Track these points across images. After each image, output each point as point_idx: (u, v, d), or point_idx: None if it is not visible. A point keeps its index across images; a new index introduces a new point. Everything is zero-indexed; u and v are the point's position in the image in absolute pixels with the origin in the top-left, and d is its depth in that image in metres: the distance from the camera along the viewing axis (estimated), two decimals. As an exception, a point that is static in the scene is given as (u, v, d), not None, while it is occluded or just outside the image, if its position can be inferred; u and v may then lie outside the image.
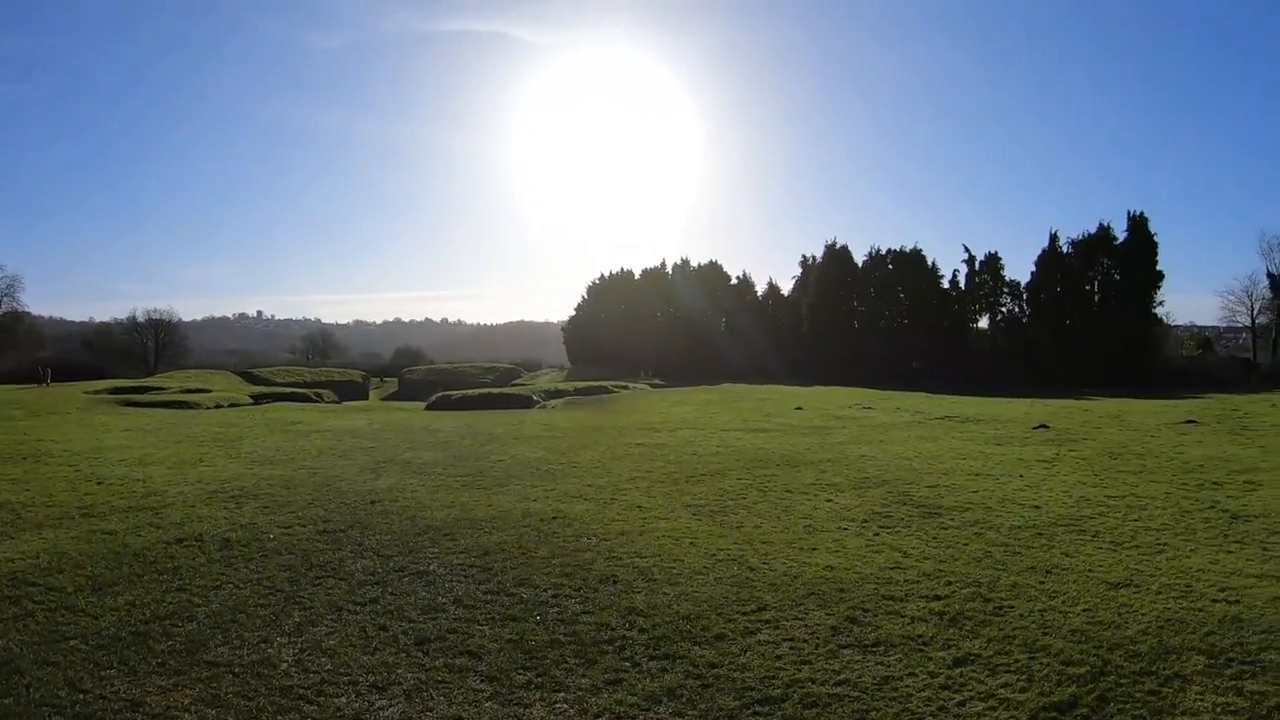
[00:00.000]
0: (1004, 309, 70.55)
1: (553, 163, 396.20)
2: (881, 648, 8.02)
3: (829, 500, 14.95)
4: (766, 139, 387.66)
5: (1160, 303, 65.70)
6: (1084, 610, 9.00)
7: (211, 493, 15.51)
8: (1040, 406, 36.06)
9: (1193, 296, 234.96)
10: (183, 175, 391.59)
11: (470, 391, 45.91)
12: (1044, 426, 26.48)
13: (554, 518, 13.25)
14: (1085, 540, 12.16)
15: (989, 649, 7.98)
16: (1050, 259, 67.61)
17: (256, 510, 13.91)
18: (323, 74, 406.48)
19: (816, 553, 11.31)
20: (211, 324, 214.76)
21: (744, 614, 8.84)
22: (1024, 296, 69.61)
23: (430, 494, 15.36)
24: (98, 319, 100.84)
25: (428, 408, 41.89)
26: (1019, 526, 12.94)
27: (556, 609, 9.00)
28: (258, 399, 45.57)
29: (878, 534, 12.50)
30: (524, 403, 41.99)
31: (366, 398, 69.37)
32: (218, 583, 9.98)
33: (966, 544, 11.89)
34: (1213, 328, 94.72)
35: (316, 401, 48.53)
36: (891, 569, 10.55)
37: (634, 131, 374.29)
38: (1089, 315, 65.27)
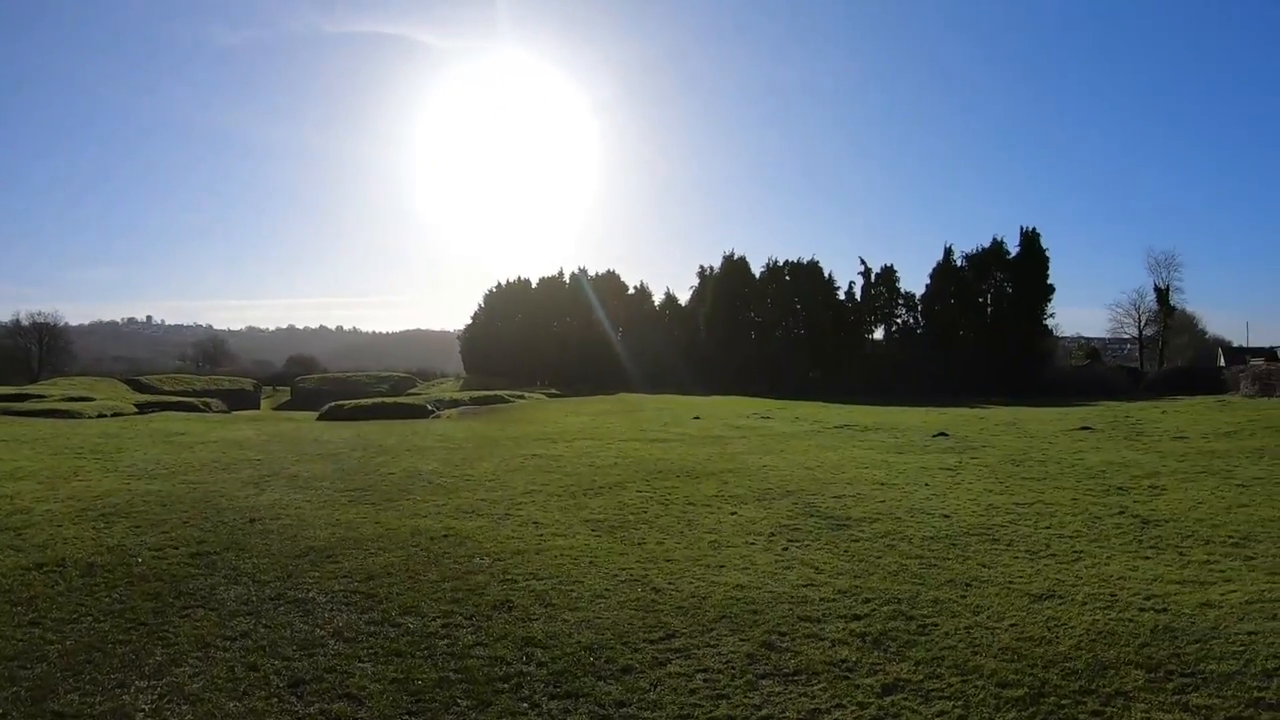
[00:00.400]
0: (899, 320, 71.38)
1: (453, 170, 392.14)
2: (804, 676, 7.35)
3: (733, 513, 14.31)
4: (667, 151, 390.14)
5: (1051, 314, 67.75)
6: (1011, 625, 8.54)
7: (82, 510, 14.25)
8: (937, 415, 36.20)
9: (1080, 309, 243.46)
10: (69, 173, 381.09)
11: (364, 401, 44.54)
12: (943, 434, 26.38)
13: (445, 536, 12.32)
14: (1000, 550, 11.78)
15: (918, 673, 7.39)
16: (944, 272, 68.77)
17: (127, 530, 12.72)
18: (223, 71, 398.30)
19: (725, 570, 10.63)
20: (99, 329, 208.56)
21: (651, 642, 8.08)
22: (919, 308, 70.59)
23: (315, 510, 14.33)
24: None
25: (320, 418, 40.49)
26: (931, 537, 12.52)
27: (446, 641, 8.11)
28: (143, 408, 43.38)
29: (786, 549, 11.87)
30: (419, 413, 40.82)
31: (258, 407, 67.58)
32: (76, 615, 8.87)
33: (880, 557, 11.36)
34: (1099, 339, 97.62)
35: (204, 411, 46.59)
36: (805, 586, 9.91)
37: (535, 140, 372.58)
38: (982, 326, 66.56)
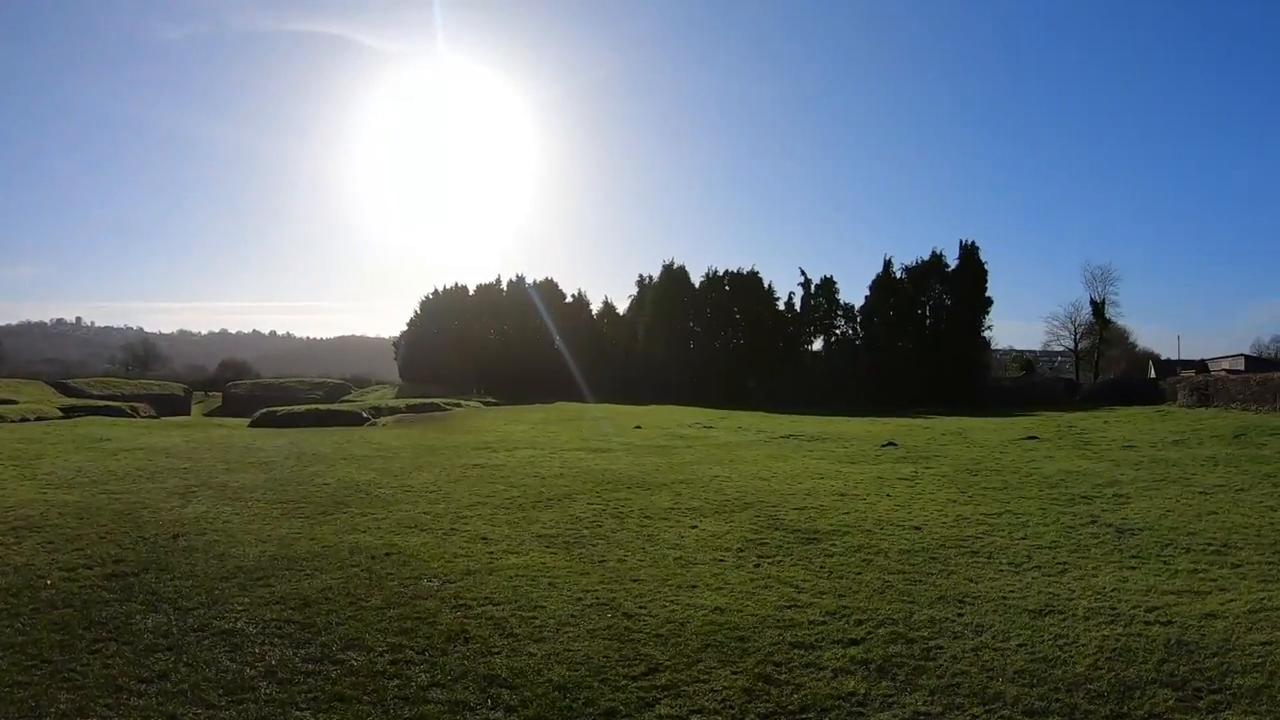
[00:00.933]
0: (839, 331, 70.78)
1: (391, 174, 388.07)
2: (812, 714, 6.47)
3: (694, 527, 13.42)
4: (607, 161, 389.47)
5: (989, 326, 67.69)
6: (1020, 645, 7.88)
7: None
8: (881, 425, 35.78)
9: (1011, 321, 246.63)
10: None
11: (297, 408, 43.02)
12: (892, 444, 25.82)
13: (387, 554, 11.23)
14: (982, 563, 11.15)
15: (936, 704, 6.61)
16: (884, 283, 68.36)
17: (38, 547, 11.52)
18: (159, 66, 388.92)
19: (698, 591, 9.71)
20: (28, 329, 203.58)
21: (633, 679, 7.08)
22: (858, 319, 70.10)
23: (245, 524, 13.17)
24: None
25: (251, 424, 38.96)
26: (908, 550, 11.84)
27: (397, 682, 6.98)
28: (68, 412, 41.51)
29: (759, 565, 11.02)
30: (354, 420, 39.44)
31: (188, 413, 65.32)
32: (-33, 649, 7.67)
33: (859, 573, 10.59)
34: (1030, 351, 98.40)
35: (132, 416, 44.70)
36: (789, 608, 9.04)
37: (474, 146, 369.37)
38: (920, 338, 66.40)
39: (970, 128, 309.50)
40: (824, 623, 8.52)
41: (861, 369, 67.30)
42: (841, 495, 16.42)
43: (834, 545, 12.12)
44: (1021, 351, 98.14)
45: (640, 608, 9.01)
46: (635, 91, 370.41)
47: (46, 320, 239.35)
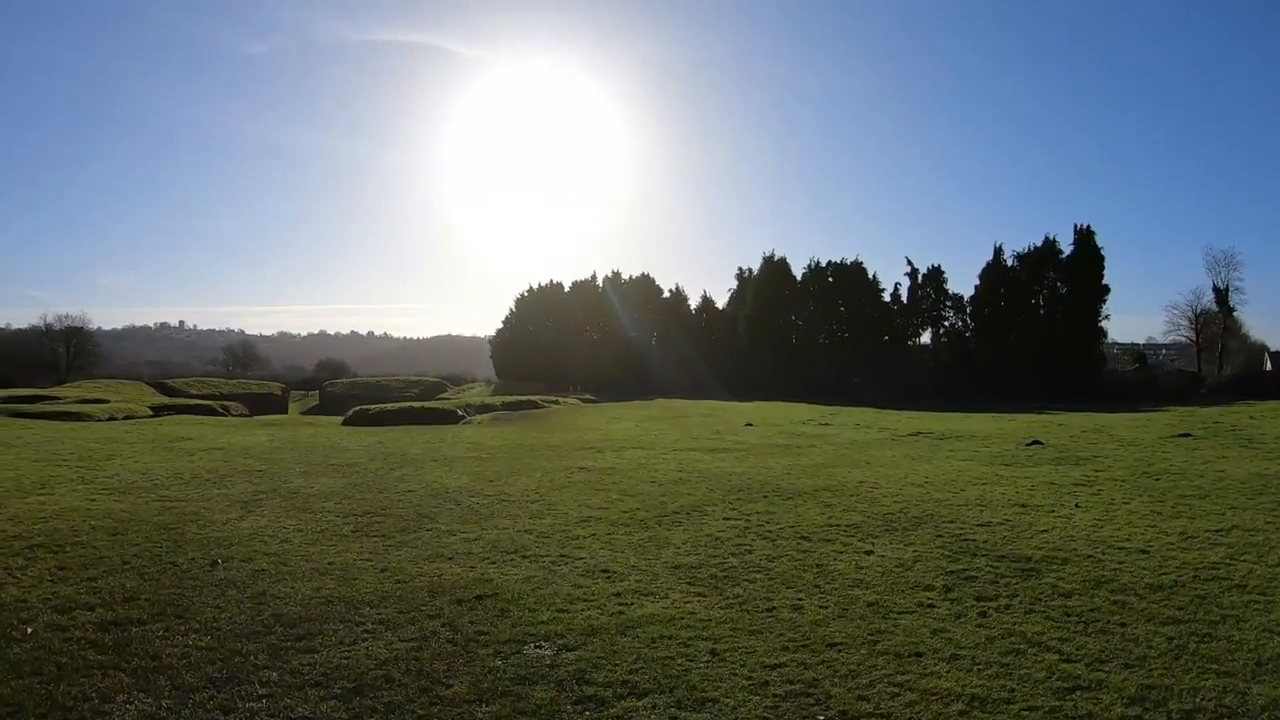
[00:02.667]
0: (947, 323, 66.62)
1: (483, 176, 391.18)
2: None
3: (868, 552, 10.38)
4: (702, 153, 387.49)
5: (1106, 316, 62.29)
6: None
7: (9, 539, 10.67)
8: (1007, 421, 32.37)
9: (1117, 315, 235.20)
10: (103, 179, 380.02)
11: (390, 405, 40.75)
12: (1037, 443, 22.69)
13: (479, 597, 8.32)
14: (1261, 602, 8.31)
15: None
16: (995, 272, 63.88)
17: (44, 574, 9.05)
18: (249, 79, 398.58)
19: (927, 663, 6.65)
20: (133, 333, 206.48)
21: None
22: (968, 310, 65.70)
23: (305, 545, 10.50)
24: (14, 325, 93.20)
25: (344, 423, 36.85)
26: (1157, 586, 8.88)
27: None
28: (158, 411, 40.00)
29: (986, 614, 7.95)
30: (448, 418, 37.05)
31: (285, 411, 64.14)
32: None
33: (1124, 625, 7.68)
34: (1133, 344, 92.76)
35: (223, 415, 43.06)
36: (1072, 692, 6.06)
37: (565, 145, 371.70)
38: (1034, 329, 61.47)
39: (1080, 107, 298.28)
40: (1142, 723, 5.47)
41: (972, 362, 63.14)
42: (1022, 506, 13.41)
43: (1061, 579, 9.09)
44: (1124, 345, 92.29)
45: (859, 698, 5.94)
46: (729, 84, 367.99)
47: (151, 324, 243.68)
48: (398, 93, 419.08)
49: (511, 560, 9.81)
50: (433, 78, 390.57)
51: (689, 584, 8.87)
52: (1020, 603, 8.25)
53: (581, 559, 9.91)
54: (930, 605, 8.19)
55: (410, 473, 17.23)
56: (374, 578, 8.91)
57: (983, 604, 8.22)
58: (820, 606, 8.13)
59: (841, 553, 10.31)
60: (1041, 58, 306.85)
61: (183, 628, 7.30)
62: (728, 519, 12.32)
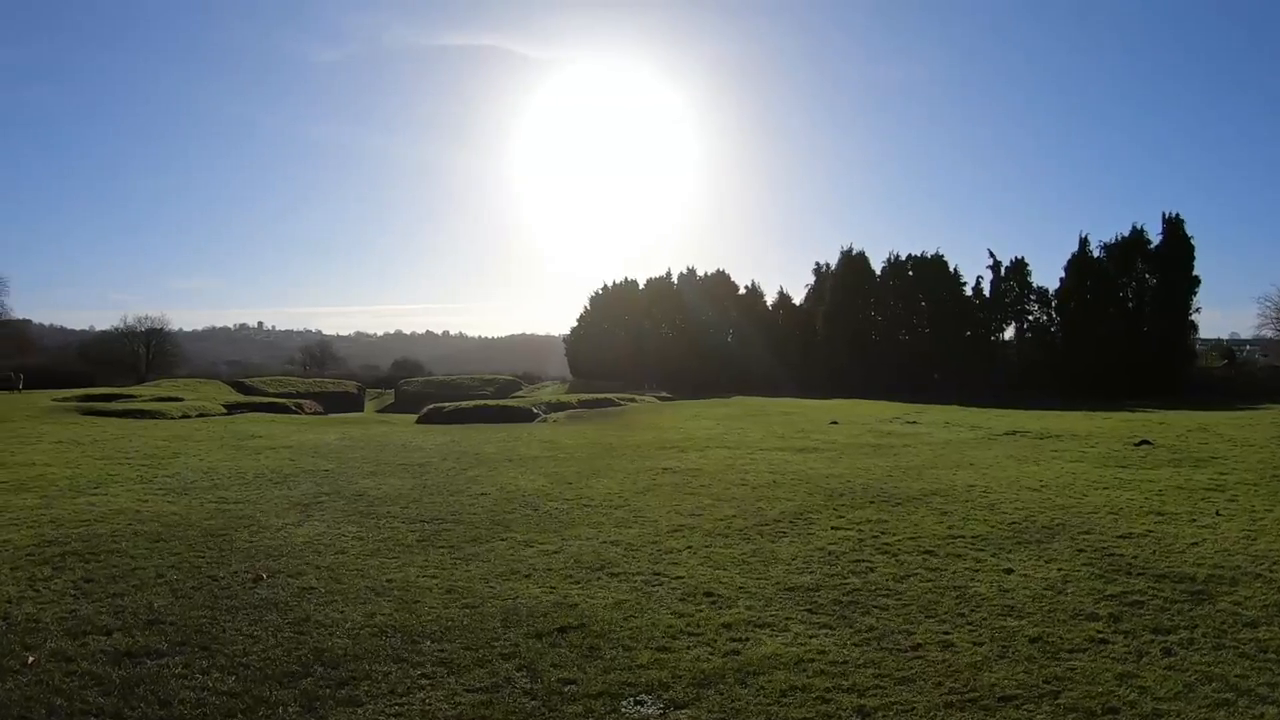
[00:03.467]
0: (1031, 317, 63.34)
1: (555, 175, 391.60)
2: None
3: (1006, 570, 8.85)
4: (775, 147, 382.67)
5: (1196, 309, 58.86)
6: None
7: (46, 543, 9.76)
8: (1103, 419, 30.12)
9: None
10: (184, 186, 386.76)
11: (464, 403, 39.80)
12: (1146, 443, 20.76)
13: (562, 629, 6.89)
14: None
15: None
16: (1080, 263, 60.48)
17: (69, 587, 8.00)
18: (323, 87, 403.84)
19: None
20: (213, 334, 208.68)
21: None
22: (1052, 304, 62.33)
23: (363, 557, 9.24)
24: (98, 327, 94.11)
25: (418, 421, 36.03)
26: None
27: None
28: (232, 408, 39.46)
29: (1173, 652, 6.41)
30: (523, 416, 35.91)
31: (361, 409, 63.99)
32: None
33: None
34: (1217, 339, 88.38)
35: (296, 413, 42.40)
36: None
37: (636, 142, 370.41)
38: (1122, 323, 58.40)
39: (1165, 92, 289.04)
40: None
41: (1057, 358, 59.93)
42: (1159, 515, 11.73)
43: (1238, 604, 7.57)
44: (1211, 340, 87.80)
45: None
46: (801, 78, 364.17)
47: (230, 325, 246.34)
48: (468, 96, 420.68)
49: (598, 579, 8.42)
50: (502, 80, 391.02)
51: (809, 611, 7.40)
52: (1204, 636, 6.72)
53: (679, 578, 8.49)
54: (1103, 640, 6.66)
55: (483, 474, 16.02)
56: (438, 600, 7.57)
57: (1162, 638, 6.68)
58: (974, 643, 6.65)
59: (976, 570, 8.80)
60: (1123, 42, 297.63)
61: (205, 663, 6.03)
62: (836, 528, 10.85)
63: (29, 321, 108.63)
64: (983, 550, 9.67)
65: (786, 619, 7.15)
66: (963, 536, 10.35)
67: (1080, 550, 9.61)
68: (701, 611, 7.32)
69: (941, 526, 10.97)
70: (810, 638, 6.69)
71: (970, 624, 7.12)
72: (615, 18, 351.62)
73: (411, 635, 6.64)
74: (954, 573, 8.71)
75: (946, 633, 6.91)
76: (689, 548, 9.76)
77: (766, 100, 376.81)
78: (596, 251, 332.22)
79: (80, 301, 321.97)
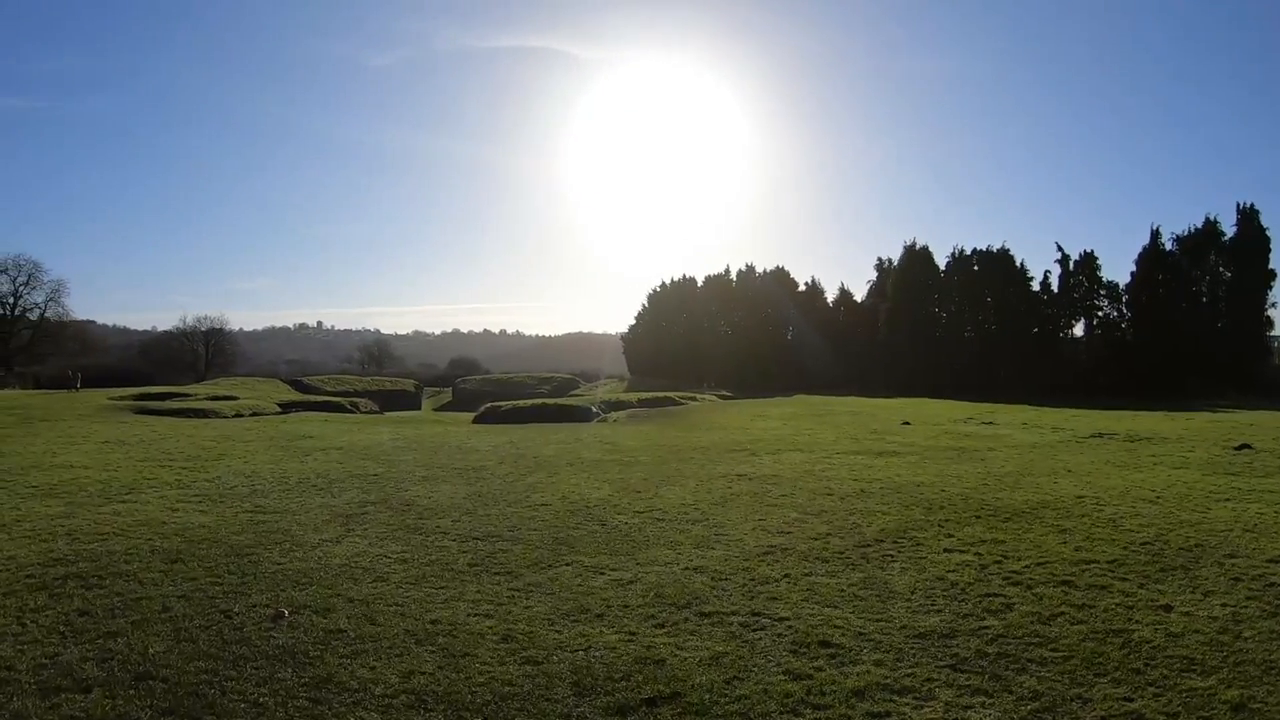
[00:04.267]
0: (1100, 313, 60.47)
1: (608, 174, 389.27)
2: None
3: (1164, 607, 7.30)
4: (832, 141, 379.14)
5: (1273, 304, 55.97)
6: None
7: (53, 562, 8.66)
8: (1185, 420, 28.20)
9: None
10: (245, 191, 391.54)
11: (522, 402, 38.62)
12: (1247, 447, 19.02)
13: (650, 699, 5.33)
14: None
15: None
16: (1152, 257, 57.71)
17: (59, 620, 6.79)
18: (377, 91, 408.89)
19: None
20: (273, 334, 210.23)
21: None
22: (1123, 299, 59.46)
23: (404, 587, 7.85)
24: (160, 328, 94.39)
25: (475, 420, 34.95)
26: None
27: None
28: (287, 407, 38.60)
29: None
30: (582, 415, 34.61)
31: (419, 407, 63.57)
32: None
33: None
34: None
35: (351, 411, 41.58)
36: None
37: (690, 140, 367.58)
38: (1196, 319, 55.73)
39: (1239, 77, 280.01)
40: None
41: (1128, 355, 57.04)
42: (1314, 535, 9.99)
43: None
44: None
45: None
46: (857, 73, 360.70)
47: (290, 325, 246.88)
48: (520, 97, 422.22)
49: (685, 620, 6.89)
50: (554, 81, 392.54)
51: (953, 669, 5.84)
52: None
53: (783, 619, 6.92)
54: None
55: (544, 480, 14.65)
56: (493, 653, 6.09)
57: None
58: (1168, 715, 5.11)
59: (1130, 608, 7.21)
60: (1195, 27, 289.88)
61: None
62: (950, 550, 9.28)
63: (93, 322, 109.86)
64: (1126, 580, 8.09)
65: (928, 681, 5.61)
66: (1096, 562, 8.76)
67: (1235, 579, 8.04)
68: (821, 670, 5.77)
69: (1067, 548, 9.38)
70: (966, 710, 5.17)
71: (1152, 685, 5.60)
72: (665, 16, 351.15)
73: (458, 707, 5.18)
74: (1105, 611, 7.13)
75: (1128, 698, 5.40)
76: (786, 576, 8.22)
77: (821, 93, 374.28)
78: (652, 250, 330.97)
79: (144, 303, 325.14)
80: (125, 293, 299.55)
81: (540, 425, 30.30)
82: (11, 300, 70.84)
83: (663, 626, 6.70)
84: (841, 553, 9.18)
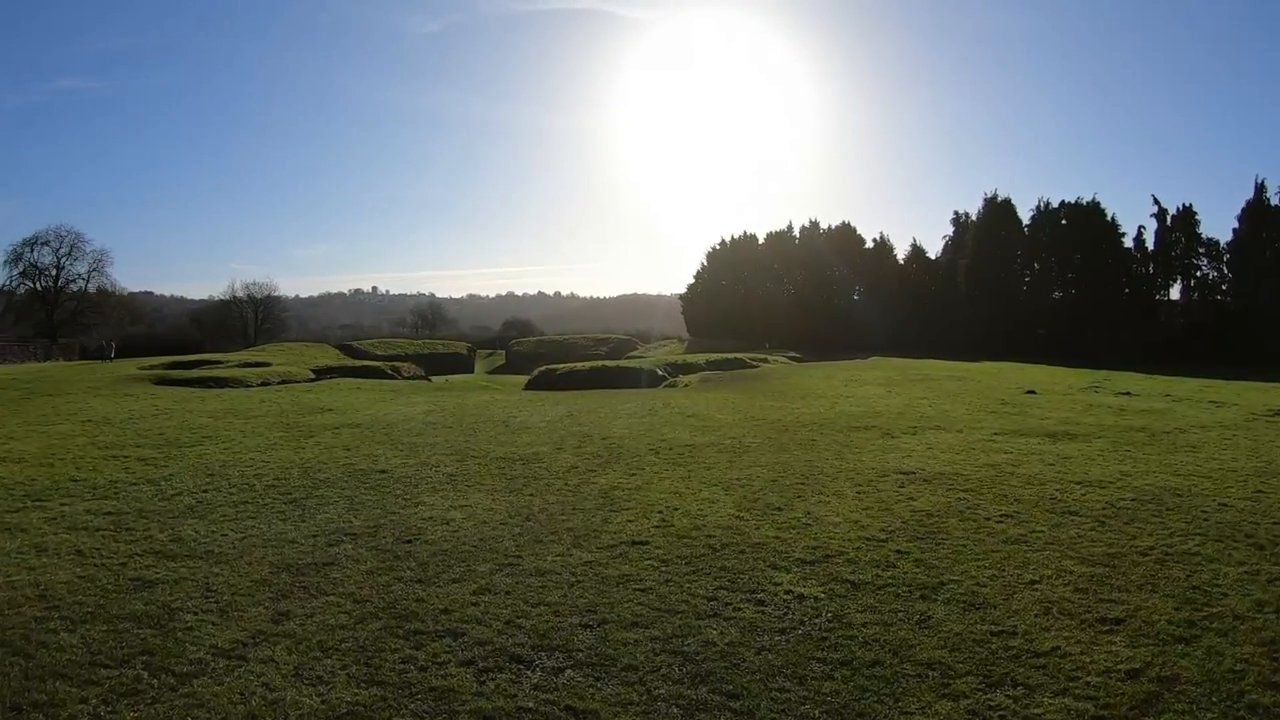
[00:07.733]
0: (1199, 273, 53.13)
1: (662, 134, 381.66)
2: None
3: None
4: (900, 93, 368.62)
5: None
6: None
7: None
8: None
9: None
10: (301, 159, 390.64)
11: (579, 365, 33.69)
12: None
13: None
14: None
15: None
16: (1256, 212, 50.46)
17: None
18: (427, 57, 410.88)
19: None
20: (328, 300, 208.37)
21: None
22: (1225, 258, 52.10)
23: None
24: (217, 296, 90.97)
25: (527, 386, 30.56)
26: None
27: None
28: (320, 373, 33.94)
29: None
30: (647, 379, 29.71)
31: (471, 370, 60.09)
32: None
33: None
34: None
35: (392, 377, 36.94)
36: None
37: (746, 96, 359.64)
38: (1308, 277, 48.41)
39: None
40: None
41: (1232, 319, 49.88)
42: None
43: None
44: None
45: None
46: (924, 24, 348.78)
47: (345, 291, 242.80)
48: (569, 58, 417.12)
49: None
50: (603, 41, 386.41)
51: None
52: None
53: None
54: None
55: (623, 481, 9.79)
56: None
57: None
58: None
59: None
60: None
61: None
62: None
63: (150, 293, 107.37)
64: None
65: None
66: None
67: None
68: None
69: None
70: None
71: None
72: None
73: None
74: None
75: None
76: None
77: (883, 44, 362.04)
78: (706, 210, 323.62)
79: (204, 274, 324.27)
80: (186, 263, 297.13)
81: (601, 392, 25.52)
82: (54, 272, 67.02)
83: None
84: (1160, 639, 4.08)
